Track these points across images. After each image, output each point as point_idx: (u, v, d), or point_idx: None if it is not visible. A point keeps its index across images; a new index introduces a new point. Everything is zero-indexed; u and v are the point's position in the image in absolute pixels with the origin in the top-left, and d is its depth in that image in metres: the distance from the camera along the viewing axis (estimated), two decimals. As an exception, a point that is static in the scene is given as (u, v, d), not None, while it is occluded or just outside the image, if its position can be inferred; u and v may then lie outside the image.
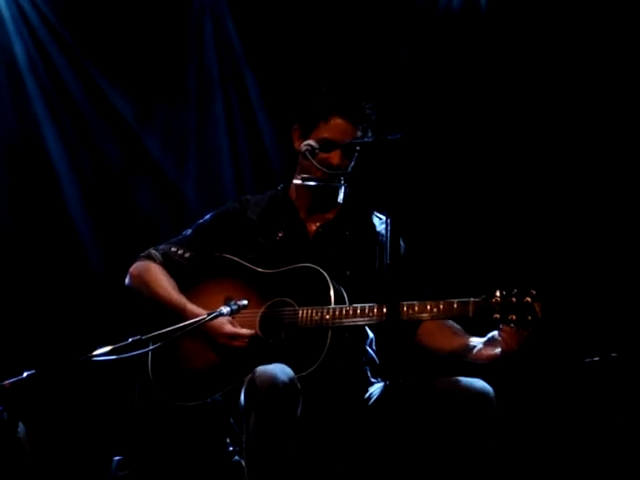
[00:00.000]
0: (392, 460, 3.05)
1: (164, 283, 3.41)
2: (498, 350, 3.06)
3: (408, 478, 3.14)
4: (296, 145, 3.49)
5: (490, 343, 3.10)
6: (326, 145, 3.36)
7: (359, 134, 3.38)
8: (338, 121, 3.39)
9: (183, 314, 3.26)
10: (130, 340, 2.94)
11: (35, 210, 5.04)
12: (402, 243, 3.42)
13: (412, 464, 3.14)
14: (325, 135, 3.38)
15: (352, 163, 3.42)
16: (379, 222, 3.54)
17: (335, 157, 3.37)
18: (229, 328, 3.24)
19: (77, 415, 4.83)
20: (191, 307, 3.30)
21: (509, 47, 4.90)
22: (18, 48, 5.02)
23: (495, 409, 3.06)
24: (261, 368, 2.97)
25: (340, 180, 3.39)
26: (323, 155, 3.37)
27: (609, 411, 4.14)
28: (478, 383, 3.10)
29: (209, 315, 3.12)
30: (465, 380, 3.12)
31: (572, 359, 4.33)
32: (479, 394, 3.07)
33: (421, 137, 4.68)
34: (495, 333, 3.07)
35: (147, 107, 5.19)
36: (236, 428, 3.26)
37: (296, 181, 3.45)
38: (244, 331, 3.24)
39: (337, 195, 3.40)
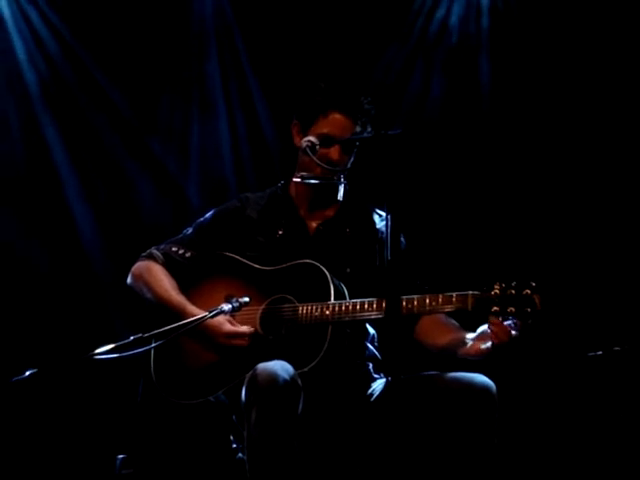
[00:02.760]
0: (394, 456, 3.05)
1: (165, 284, 3.41)
2: (489, 344, 3.05)
3: (411, 474, 3.14)
4: (296, 141, 3.49)
5: (481, 337, 3.08)
6: (325, 140, 3.36)
7: (358, 129, 3.37)
8: (337, 116, 3.38)
9: (183, 315, 3.25)
10: (132, 338, 2.93)
11: (37, 209, 5.04)
12: (402, 239, 3.43)
13: (414, 460, 3.13)
14: (324, 130, 3.37)
15: (351, 159, 3.42)
16: (379, 219, 3.53)
17: (334, 153, 3.36)
18: (228, 327, 3.24)
19: (81, 414, 4.84)
20: (191, 308, 3.30)
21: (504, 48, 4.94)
22: (18, 45, 5.03)
23: (497, 404, 3.04)
24: (262, 365, 2.97)
25: (340, 177, 3.40)
26: (323, 151, 3.37)
27: (612, 406, 4.14)
28: (480, 378, 3.09)
29: (210, 312, 3.12)
30: (467, 375, 3.11)
31: (575, 353, 4.33)
32: (481, 389, 3.06)
33: (421, 132, 4.70)
34: (485, 327, 3.06)
35: (149, 105, 5.20)
36: (239, 426, 3.26)
37: (296, 179, 3.45)
38: (244, 329, 3.24)
39: (337, 192, 3.41)
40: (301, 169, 3.43)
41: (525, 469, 4.39)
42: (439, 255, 4.71)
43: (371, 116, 3.40)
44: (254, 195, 3.60)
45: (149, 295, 3.42)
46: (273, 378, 2.92)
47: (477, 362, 3.15)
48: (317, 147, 3.36)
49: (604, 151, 4.76)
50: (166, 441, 4.23)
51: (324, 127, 3.38)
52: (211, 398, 3.29)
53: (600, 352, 4.12)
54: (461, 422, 3.02)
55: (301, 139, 3.42)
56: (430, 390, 3.13)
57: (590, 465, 4.17)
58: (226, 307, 3.14)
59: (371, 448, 3.20)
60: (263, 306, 3.29)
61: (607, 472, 4.07)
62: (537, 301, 2.94)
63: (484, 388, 3.06)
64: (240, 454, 3.30)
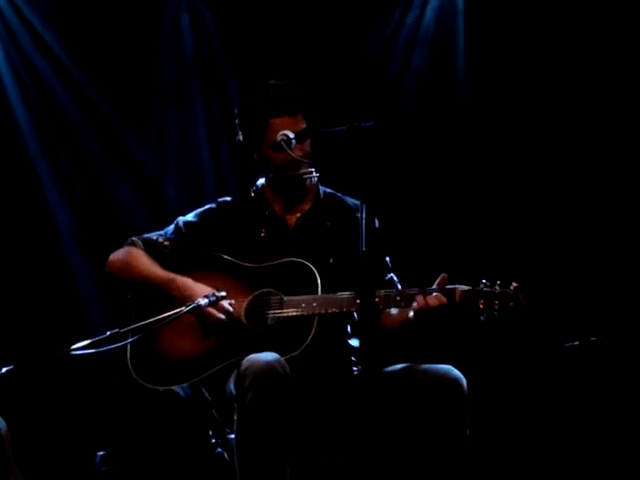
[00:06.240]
0: (366, 450, 3.06)
1: (146, 261, 3.38)
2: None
3: (383, 467, 3.16)
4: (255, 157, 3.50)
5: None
6: (300, 135, 3.36)
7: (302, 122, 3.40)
8: (277, 121, 3.39)
9: (172, 284, 3.26)
10: (108, 333, 2.93)
11: (14, 206, 5.00)
12: (377, 221, 3.47)
13: (386, 453, 3.17)
14: (277, 139, 3.35)
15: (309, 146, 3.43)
16: (355, 209, 3.54)
17: (297, 149, 3.36)
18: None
19: (59, 411, 4.83)
20: (181, 278, 3.28)
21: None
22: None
23: (466, 396, 3.10)
24: (253, 355, 3.00)
25: (313, 169, 3.42)
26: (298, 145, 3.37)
27: (589, 395, 4.16)
28: (450, 371, 3.15)
29: (187, 307, 3.11)
30: (437, 367, 3.16)
31: (552, 343, 4.36)
32: (451, 382, 3.11)
33: (395, 123, 4.71)
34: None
35: (126, 103, 5.18)
36: (219, 420, 3.27)
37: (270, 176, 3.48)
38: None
39: (313, 185, 3.48)
40: (272, 169, 3.45)
41: (498, 462, 4.42)
42: (416, 251, 4.72)
43: (298, 95, 3.43)
44: (232, 200, 3.59)
45: (130, 276, 3.38)
46: (270, 364, 2.96)
47: (449, 354, 3.20)
48: (293, 141, 3.36)
49: (582, 145, 4.77)
50: (146, 437, 4.23)
51: (272, 134, 3.38)
52: (180, 392, 3.28)
53: (577, 342, 4.15)
54: (432, 414, 3.06)
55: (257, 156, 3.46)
56: (401, 382, 3.17)
57: (566, 456, 4.19)
58: (202, 301, 3.13)
59: (344, 441, 3.23)
60: (250, 298, 3.29)
61: (583, 462, 4.09)
62: (521, 298, 3.02)
63: (454, 381, 3.11)
64: (219, 449, 3.30)
